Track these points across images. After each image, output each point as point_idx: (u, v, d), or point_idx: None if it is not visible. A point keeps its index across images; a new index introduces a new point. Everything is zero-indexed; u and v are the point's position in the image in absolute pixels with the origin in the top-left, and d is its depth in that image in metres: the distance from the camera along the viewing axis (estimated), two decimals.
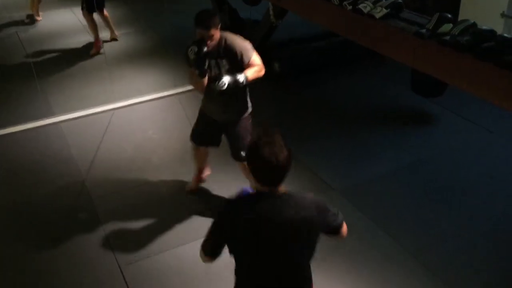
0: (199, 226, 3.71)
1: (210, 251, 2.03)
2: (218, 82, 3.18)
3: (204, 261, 2.08)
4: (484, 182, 4.12)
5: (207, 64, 3.20)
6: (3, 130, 5.06)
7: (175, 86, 5.80)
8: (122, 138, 4.91)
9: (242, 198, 2.00)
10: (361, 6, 3.64)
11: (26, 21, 8.00)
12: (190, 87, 5.74)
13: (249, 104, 3.61)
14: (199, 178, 4.08)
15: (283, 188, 1.97)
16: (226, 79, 3.19)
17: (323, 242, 2.12)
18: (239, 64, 3.26)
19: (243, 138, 3.55)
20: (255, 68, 3.32)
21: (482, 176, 4.19)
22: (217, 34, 3.20)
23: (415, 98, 5.28)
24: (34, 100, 5.64)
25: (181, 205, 3.95)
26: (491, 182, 4.11)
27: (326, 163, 4.42)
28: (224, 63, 3.28)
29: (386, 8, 3.53)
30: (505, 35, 2.93)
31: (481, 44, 2.85)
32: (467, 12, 4.18)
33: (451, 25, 3.12)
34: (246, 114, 3.59)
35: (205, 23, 3.13)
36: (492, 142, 4.69)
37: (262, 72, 3.38)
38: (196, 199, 4.02)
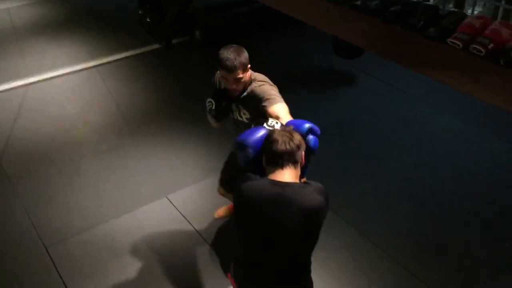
0: (124, 200, 3.70)
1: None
2: (208, 101, 2.74)
3: None
4: (398, 139, 4.39)
5: (225, 112, 2.77)
6: None
7: (93, 57, 5.59)
8: (39, 115, 4.69)
9: (255, 181, 1.99)
10: None
11: None
12: (109, 58, 5.60)
13: None
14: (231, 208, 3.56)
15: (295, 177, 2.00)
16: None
17: None
18: (260, 113, 2.60)
19: None
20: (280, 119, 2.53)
21: (396, 134, 4.46)
22: (245, 76, 2.61)
23: (336, 61, 5.46)
24: None
25: (103, 180, 3.89)
26: (404, 139, 4.39)
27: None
28: (245, 111, 2.75)
29: None
30: None
31: (389, 8, 2.99)
32: None
33: None
34: None
35: (228, 63, 2.52)
36: (405, 101, 4.98)
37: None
38: (115, 174, 3.97)
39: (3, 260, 3.24)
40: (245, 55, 2.58)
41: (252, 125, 2.73)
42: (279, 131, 2.02)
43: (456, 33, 2.68)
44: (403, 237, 3.41)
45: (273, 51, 5.96)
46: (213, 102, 2.72)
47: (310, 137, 2.13)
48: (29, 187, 3.81)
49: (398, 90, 5.13)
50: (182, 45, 6.03)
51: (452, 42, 2.66)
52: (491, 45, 2.57)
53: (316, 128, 2.15)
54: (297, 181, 2.01)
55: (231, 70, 2.53)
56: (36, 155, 4.15)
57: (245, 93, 2.65)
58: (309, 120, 2.16)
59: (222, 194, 3.31)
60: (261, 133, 2.10)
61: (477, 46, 2.58)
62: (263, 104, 2.54)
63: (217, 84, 2.79)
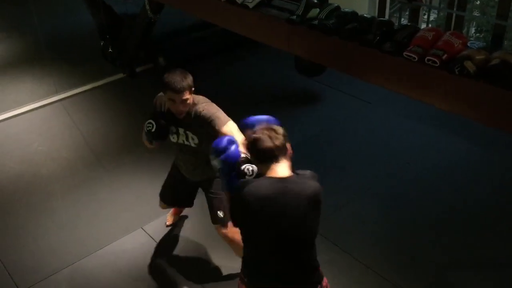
0: (98, 235, 3.64)
1: (235, 222, 2.21)
2: (147, 123, 2.80)
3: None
4: (366, 148, 4.48)
5: (172, 130, 2.84)
6: None
7: (57, 91, 5.52)
8: (4, 155, 4.59)
9: (255, 183, 2.08)
10: None
11: None
12: (74, 91, 5.54)
13: None
14: (176, 212, 3.70)
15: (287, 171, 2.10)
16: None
17: None
18: (209, 136, 2.67)
19: (218, 197, 3.00)
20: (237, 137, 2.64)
21: (364, 144, 4.55)
22: (191, 98, 2.73)
23: (299, 79, 5.55)
24: None
25: (75, 217, 3.82)
26: (373, 148, 4.49)
27: None
28: (193, 136, 2.81)
29: None
30: (365, 15, 3.17)
31: (345, 26, 3.07)
32: None
33: (318, 9, 3.32)
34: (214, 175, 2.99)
35: (177, 85, 2.63)
36: (371, 112, 5.09)
37: None
38: (88, 209, 3.91)
39: None
40: (190, 77, 2.72)
41: (199, 152, 2.83)
42: (260, 130, 2.11)
43: (410, 47, 2.77)
44: (379, 247, 3.47)
45: (237, 73, 6.02)
46: (154, 124, 2.77)
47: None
48: None
49: (363, 101, 5.25)
50: (146, 72, 6.02)
51: (408, 56, 2.75)
52: (445, 55, 2.67)
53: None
54: (291, 171, 2.12)
55: (179, 91, 2.64)
56: (3, 197, 4.06)
57: (192, 116, 2.75)
58: None
59: (163, 208, 3.44)
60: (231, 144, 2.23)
61: (431, 58, 2.67)
62: (213, 124, 2.67)
63: (159, 107, 2.87)
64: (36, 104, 5.36)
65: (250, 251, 2.23)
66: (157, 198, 3.91)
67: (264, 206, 2.03)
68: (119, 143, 4.71)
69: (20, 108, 5.28)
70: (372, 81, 3.13)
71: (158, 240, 3.59)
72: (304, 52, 3.44)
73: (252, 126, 2.23)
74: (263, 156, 2.08)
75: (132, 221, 3.75)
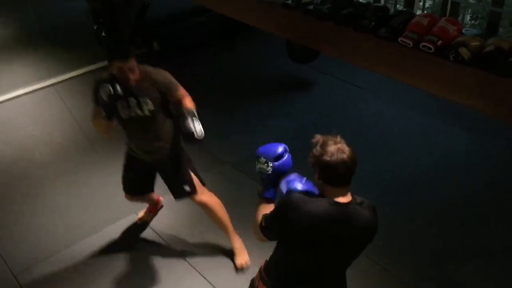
0: (92, 219, 3.65)
1: (269, 236, 2.00)
2: (197, 133, 2.67)
3: (260, 239, 2.05)
4: (360, 133, 4.47)
5: (122, 105, 2.80)
6: None
7: (50, 76, 5.46)
8: (0, 139, 4.55)
9: (312, 203, 1.88)
10: None
11: None
12: (67, 75, 5.49)
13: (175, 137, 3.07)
14: (151, 209, 3.63)
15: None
16: (197, 123, 2.70)
17: None
18: (167, 101, 2.84)
19: (183, 172, 3.07)
20: (189, 98, 2.89)
21: (356, 128, 4.53)
22: (136, 65, 2.76)
23: (294, 65, 5.53)
24: None
25: (69, 201, 3.82)
26: (366, 133, 4.48)
27: (217, 138, 4.50)
28: (148, 102, 2.81)
29: None
30: (361, 0, 3.17)
31: (341, 11, 3.06)
32: None
33: None
34: (174, 149, 3.06)
35: (123, 52, 2.71)
36: (362, 97, 5.09)
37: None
38: (81, 194, 3.91)
39: None
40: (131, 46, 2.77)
41: (156, 119, 2.85)
42: (335, 146, 1.87)
43: (406, 32, 2.77)
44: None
45: (231, 59, 5.97)
46: (111, 88, 2.69)
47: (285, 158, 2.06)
48: None
49: (357, 87, 5.24)
50: (140, 57, 5.95)
51: (403, 41, 2.75)
52: (440, 42, 2.67)
53: (285, 146, 2.11)
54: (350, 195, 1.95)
55: (126, 57, 2.68)
56: None
57: (145, 81, 2.77)
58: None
59: (130, 199, 3.35)
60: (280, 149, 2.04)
61: (426, 44, 2.67)
62: (170, 87, 2.81)
63: (103, 95, 2.73)
64: (29, 88, 5.30)
65: (286, 259, 2.08)
66: (157, 186, 3.90)
67: (317, 228, 1.87)
68: (112, 128, 4.68)
69: (13, 92, 5.22)
70: (366, 67, 3.13)
71: (152, 225, 3.60)
72: (299, 37, 3.43)
73: (266, 155, 2.04)
74: (337, 181, 1.88)
75: (125, 206, 3.74)
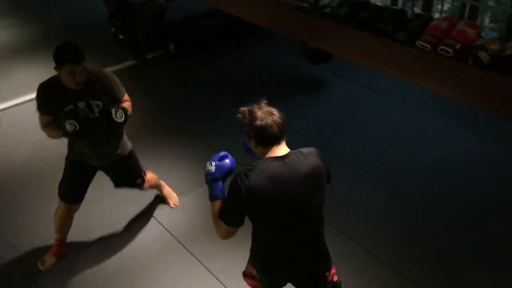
0: (109, 220, 3.67)
1: (235, 221, 2.08)
2: (116, 114, 2.77)
3: (226, 235, 2.12)
4: (377, 139, 4.45)
5: (72, 115, 2.77)
6: None
7: None
8: (17, 139, 4.62)
9: (257, 166, 2.03)
10: None
11: None
12: None
13: (126, 137, 3.19)
14: (59, 250, 3.35)
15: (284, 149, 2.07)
16: (118, 109, 2.81)
17: None
18: (113, 101, 2.86)
19: (132, 171, 3.27)
20: (129, 103, 3.03)
21: (375, 134, 4.52)
22: (86, 68, 2.74)
23: (307, 66, 5.52)
24: None
25: (86, 203, 3.82)
26: (384, 140, 4.45)
27: (231, 141, 4.50)
28: (98, 102, 2.80)
29: None
30: (378, 3, 3.15)
31: (358, 14, 3.05)
32: None
33: None
34: (126, 148, 3.17)
35: (74, 56, 2.66)
36: (379, 101, 5.05)
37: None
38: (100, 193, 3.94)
39: None
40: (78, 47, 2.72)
41: (106, 119, 2.80)
42: (262, 115, 2.03)
43: (424, 36, 2.74)
44: (394, 242, 3.46)
45: (245, 61, 5.99)
46: (75, 122, 2.71)
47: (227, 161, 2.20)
48: (11, 216, 3.75)
49: (373, 91, 5.21)
50: (156, 59, 6.02)
51: (421, 45, 2.73)
52: (458, 45, 2.64)
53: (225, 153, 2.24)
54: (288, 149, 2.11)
55: (79, 60, 2.65)
56: (15, 183, 4.09)
57: (90, 82, 2.75)
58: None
59: (67, 210, 3.21)
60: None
61: (445, 48, 2.64)
62: (114, 84, 2.86)
63: (48, 94, 2.79)
64: None
65: (262, 242, 2.20)
66: (172, 184, 3.91)
67: (276, 184, 2.00)
68: (129, 130, 4.71)
69: (30, 94, 5.30)
70: (382, 70, 3.11)
71: (167, 226, 3.62)
72: (315, 40, 3.42)
73: (211, 159, 2.21)
74: (268, 141, 2.05)
75: (142, 208, 3.77)
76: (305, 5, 3.31)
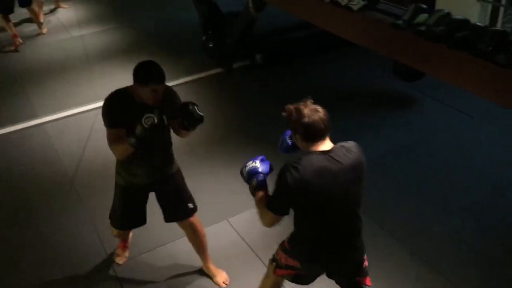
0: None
1: (282, 211, 2.27)
2: (197, 110, 2.75)
3: (272, 223, 2.33)
4: (466, 167, 4.23)
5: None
6: None
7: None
8: (90, 142, 4.85)
9: (305, 159, 2.17)
10: None
11: None
12: (172, 83, 5.79)
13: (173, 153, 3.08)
14: (125, 245, 3.54)
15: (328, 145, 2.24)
16: (194, 105, 2.75)
17: None
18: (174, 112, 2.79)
19: (183, 190, 3.10)
20: None
21: (465, 162, 4.29)
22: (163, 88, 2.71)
23: (395, 84, 5.39)
24: (17, 103, 5.62)
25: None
26: (473, 168, 4.22)
27: None
28: (164, 118, 2.67)
29: (363, 0, 3.58)
30: (478, 23, 3.00)
31: (455, 33, 2.93)
32: (443, 1, 4.27)
33: (426, 15, 3.19)
34: (176, 164, 3.08)
35: (160, 76, 2.62)
36: (474, 128, 4.79)
37: None
38: None
39: (75, 278, 3.40)
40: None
41: (165, 136, 2.88)
42: (306, 109, 2.22)
43: None
44: (472, 270, 3.27)
45: (332, 74, 5.96)
46: (157, 117, 2.57)
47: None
48: (99, 208, 3.95)
49: (465, 115, 4.96)
50: (242, 69, 6.16)
51: None
52: None
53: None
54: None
55: (163, 80, 2.65)
56: (104, 176, 4.33)
57: (166, 101, 2.74)
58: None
59: (117, 235, 3.33)
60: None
61: None
62: (177, 97, 2.90)
63: (123, 107, 2.70)
64: None
65: (305, 230, 2.34)
66: (244, 192, 3.95)
67: (322, 176, 2.14)
68: (211, 136, 4.84)
69: None
70: (477, 93, 2.96)
71: (241, 233, 3.66)
72: (407, 57, 3.33)
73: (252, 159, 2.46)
74: (315, 137, 2.20)
75: (218, 212, 3.85)
76: (399, 22, 3.23)
